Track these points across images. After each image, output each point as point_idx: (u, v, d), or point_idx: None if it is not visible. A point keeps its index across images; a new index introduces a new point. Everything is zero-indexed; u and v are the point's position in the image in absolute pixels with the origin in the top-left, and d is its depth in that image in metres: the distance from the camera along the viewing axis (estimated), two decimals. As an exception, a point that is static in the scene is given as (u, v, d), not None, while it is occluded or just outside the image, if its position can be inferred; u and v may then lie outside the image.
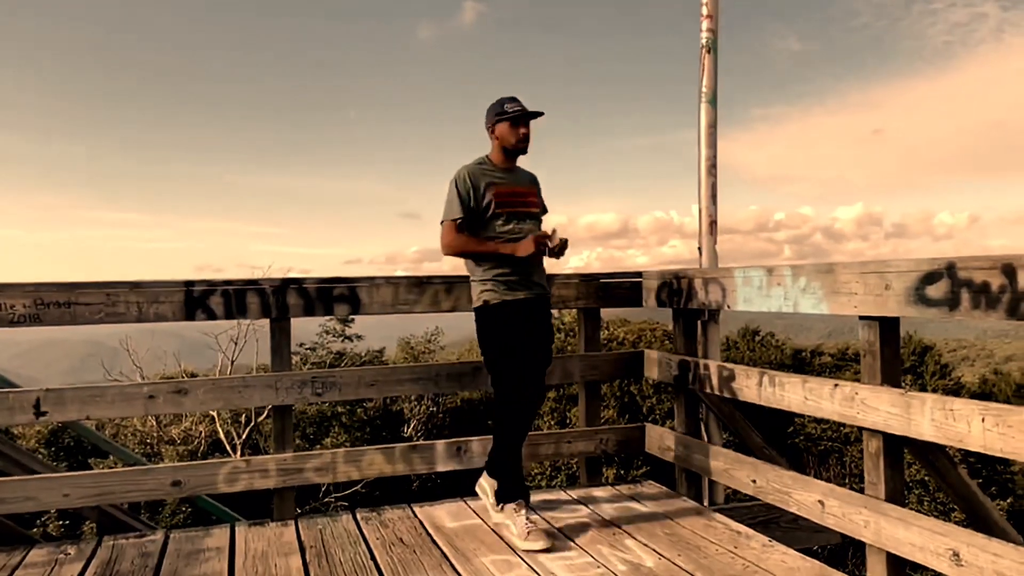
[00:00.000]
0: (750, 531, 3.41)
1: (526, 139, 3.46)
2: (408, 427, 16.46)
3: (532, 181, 3.61)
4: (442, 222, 3.43)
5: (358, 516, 3.67)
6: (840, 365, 20.08)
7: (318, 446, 14.94)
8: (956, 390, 18.93)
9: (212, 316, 3.57)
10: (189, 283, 3.54)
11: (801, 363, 20.07)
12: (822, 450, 18.09)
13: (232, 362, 15.72)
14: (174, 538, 3.44)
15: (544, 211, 3.63)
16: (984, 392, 19.47)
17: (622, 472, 14.33)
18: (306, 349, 17.13)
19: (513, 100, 3.44)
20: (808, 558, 3.06)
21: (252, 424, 14.70)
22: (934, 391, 18.43)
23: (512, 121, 3.42)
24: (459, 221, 3.38)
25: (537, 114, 3.47)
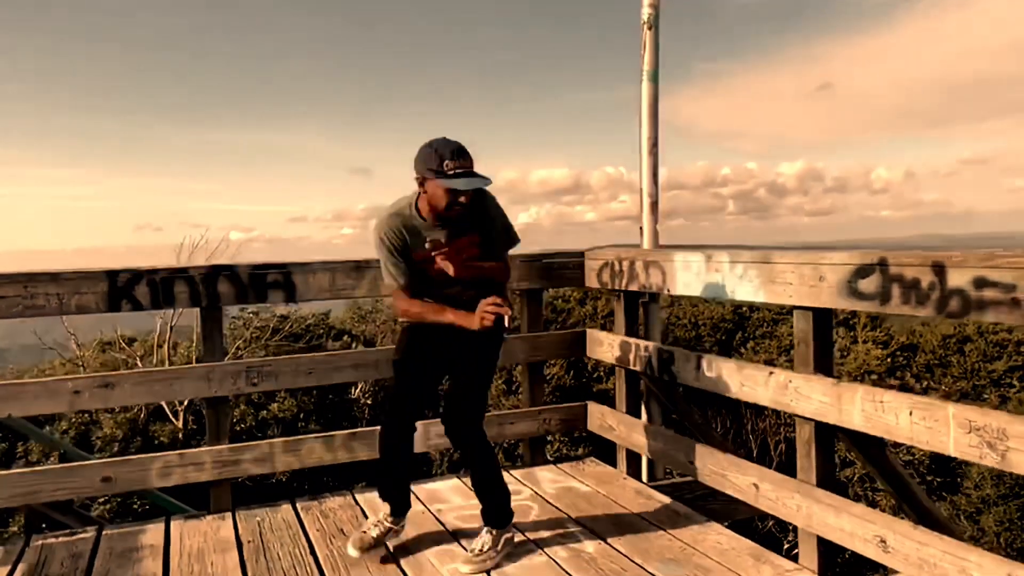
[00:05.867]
0: (688, 510, 3.47)
1: (464, 208, 2.75)
2: (356, 389, 16.40)
3: (474, 224, 2.88)
4: (389, 284, 2.93)
5: (298, 506, 3.61)
6: (777, 319, 20.64)
7: (264, 411, 14.80)
8: (886, 341, 19.68)
9: (138, 307, 3.41)
10: (112, 272, 3.37)
11: (742, 318, 20.57)
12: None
13: (172, 328, 15.35)
14: (106, 536, 3.34)
15: (494, 255, 2.97)
16: (912, 343, 20.25)
17: (565, 439, 14.53)
18: (249, 312, 16.82)
19: (456, 155, 2.66)
20: (743, 539, 3.14)
21: (194, 390, 14.43)
22: (865, 343, 19.12)
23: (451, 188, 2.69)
24: (406, 285, 2.89)
25: (485, 183, 2.73)
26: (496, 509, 3.04)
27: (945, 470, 15.46)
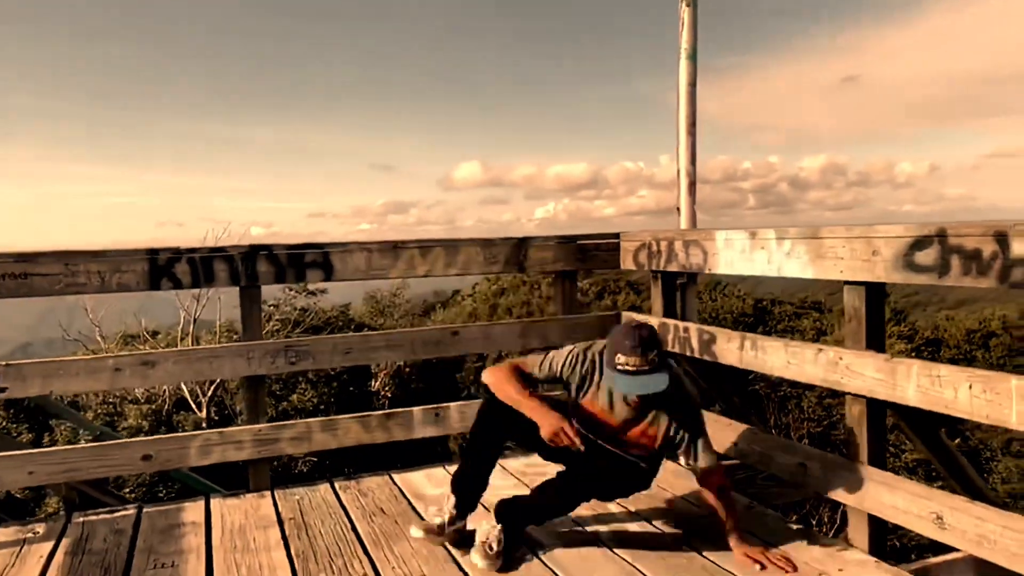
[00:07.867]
0: (733, 492, 3.42)
1: (636, 407, 2.67)
2: (376, 381, 16.42)
3: (654, 420, 2.69)
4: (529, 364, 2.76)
5: (336, 485, 3.61)
6: (799, 312, 20.48)
7: (284, 403, 14.84)
8: (910, 335, 19.47)
9: (178, 285, 3.43)
10: (153, 251, 3.38)
11: (762, 312, 20.41)
12: (781, 396, 18.53)
13: (195, 320, 15.43)
14: (147, 513, 3.35)
15: (654, 455, 2.76)
16: (936, 338, 20.03)
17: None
18: (270, 306, 16.88)
19: (632, 351, 2.48)
20: (790, 519, 3.10)
21: (217, 381, 14.49)
22: (889, 337, 18.94)
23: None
24: (528, 387, 2.70)
25: (650, 388, 2.53)
26: None
27: (974, 463, 15.29)
